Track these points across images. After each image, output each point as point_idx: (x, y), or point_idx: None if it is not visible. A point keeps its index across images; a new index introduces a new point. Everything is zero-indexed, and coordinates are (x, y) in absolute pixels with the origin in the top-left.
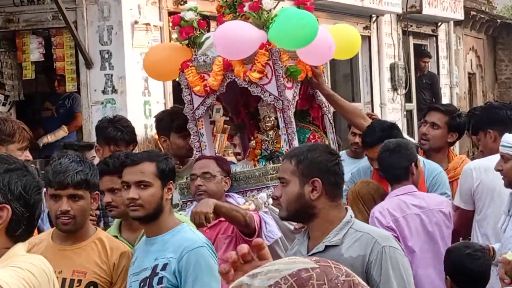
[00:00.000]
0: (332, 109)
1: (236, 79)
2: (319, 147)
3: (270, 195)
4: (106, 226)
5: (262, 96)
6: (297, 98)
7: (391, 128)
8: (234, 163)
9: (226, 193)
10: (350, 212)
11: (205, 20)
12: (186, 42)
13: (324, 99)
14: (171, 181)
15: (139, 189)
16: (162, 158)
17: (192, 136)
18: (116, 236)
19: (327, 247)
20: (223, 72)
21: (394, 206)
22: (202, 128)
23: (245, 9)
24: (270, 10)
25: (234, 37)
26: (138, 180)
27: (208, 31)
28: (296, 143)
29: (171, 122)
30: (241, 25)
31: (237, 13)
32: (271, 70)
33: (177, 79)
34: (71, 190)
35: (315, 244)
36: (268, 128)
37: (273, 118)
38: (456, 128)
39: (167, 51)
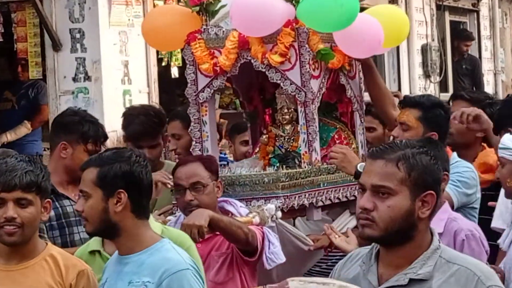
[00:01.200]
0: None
1: (252, 61)
2: (422, 148)
3: (279, 207)
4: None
5: (281, 84)
6: (324, 89)
7: None
8: (224, 157)
9: (226, 199)
10: (436, 235)
11: None
12: (197, 8)
13: (356, 93)
14: (122, 190)
15: (83, 199)
16: (110, 162)
17: (192, 124)
18: (98, 251)
19: (411, 280)
20: (238, 51)
21: None
22: (206, 115)
23: None
24: None
25: (256, 9)
26: (80, 190)
27: None
28: (317, 145)
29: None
30: None
31: None
32: (295, 54)
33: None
34: (19, 193)
35: (392, 273)
36: (285, 122)
37: (292, 110)
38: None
39: (173, 16)
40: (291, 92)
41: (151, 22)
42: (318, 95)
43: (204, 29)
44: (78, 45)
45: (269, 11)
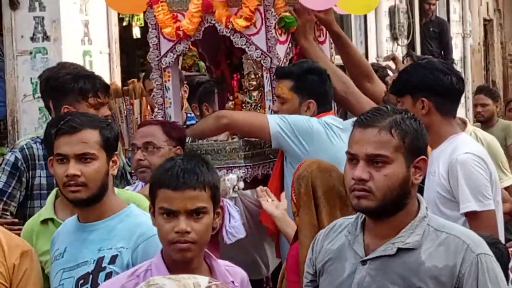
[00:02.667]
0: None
1: (216, 25)
2: (408, 113)
3: (241, 177)
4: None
5: (246, 49)
6: (291, 55)
7: None
8: (191, 116)
9: None
10: (423, 203)
11: None
12: None
13: (328, 57)
14: (116, 152)
15: (80, 163)
16: (105, 124)
17: (155, 90)
18: (52, 219)
19: (399, 250)
20: (201, 14)
21: None
22: (169, 80)
23: None
24: None
25: None
26: (81, 153)
27: None
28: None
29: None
30: None
31: None
32: (261, 18)
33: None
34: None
35: (379, 243)
36: (252, 88)
37: (259, 75)
38: None
39: None
40: (256, 57)
41: None
42: (285, 60)
43: None
44: (36, 4)
45: None
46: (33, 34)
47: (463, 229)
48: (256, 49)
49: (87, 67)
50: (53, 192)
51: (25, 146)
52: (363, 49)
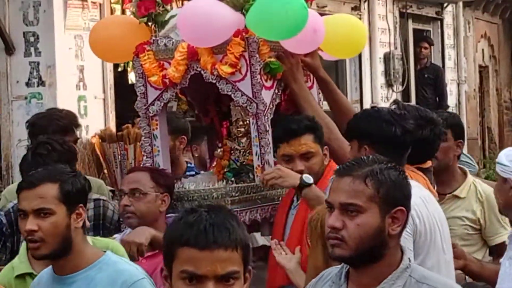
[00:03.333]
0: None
1: (202, 72)
2: (390, 164)
3: None
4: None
5: (232, 95)
6: (278, 100)
7: None
8: (191, 166)
9: (174, 215)
10: (407, 253)
11: None
12: (145, 19)
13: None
14: (81, 205)
15: (39, 218)
16: (67, 177)
17: (142, 138)
18: (29, 274)
19: None
20: (187, 62)
21: None
22: (157, 128)
23: None
24: None
25: (203, 19)
26: (37, 208)
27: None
28: (270, 158)
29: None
30: (214, 4)
31: None
32: (246, 64)
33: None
34: None
35: None
36: (240, 135)
37: (247, 122)
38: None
39: (120, 27)
40: (242, 103)
41: (98, 34)
42: (271, 106)
43: (153, 40)
44: (32, 49)
45: (217, 21)
46: (28, 79)
47: (447, 281)
48: (242, 95)
49: (82, 112)
50: (24, 245)
51: (11, 210)
52: (358, 95)
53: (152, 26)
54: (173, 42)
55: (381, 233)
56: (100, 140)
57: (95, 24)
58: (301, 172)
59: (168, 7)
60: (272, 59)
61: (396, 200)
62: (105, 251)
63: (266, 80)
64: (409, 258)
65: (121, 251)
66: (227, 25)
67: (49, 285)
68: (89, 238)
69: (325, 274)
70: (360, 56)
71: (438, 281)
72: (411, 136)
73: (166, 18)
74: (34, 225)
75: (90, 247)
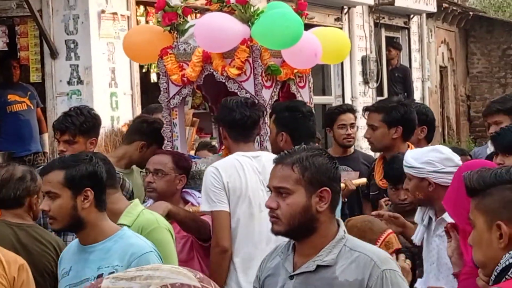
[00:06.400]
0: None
1: (214, 73)
2: (318, 151)
3: None
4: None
5: (238, 93)
6: (275, 98)
7: None
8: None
9: (186, 190)
10: (342, 226)
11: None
12: (169, 28)
13: (306, 100)
14: (88, 188)
15: (50, 200)
16: (75, 163)
17: (165, 126)
18: None
19: (318, 267)
20: (202, 64)
21: None
22: (176, 118)
23: (232, 0)
24: (257, 6)
25: (216, 29)
26: (46, 191)
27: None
28: (268, 146)
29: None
30: (225, 17)
31: (224, 3)
32: (250, 67)
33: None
34: None
35: (304, 261)
36: None
37: None
38: (396, 121)
39: (148, 34)
40: None
41: (131, 39)
42: (270, 102)
43: (175, 45)
44: (72, 54)
45: (227, 31)
46: (69, 79)
47: (375, 248)
48: (246, 93)
49: (113, 106)
50: None
51: None
52: (340, 91)
53: (174, 34)
54: (191, 47)
55: (309, 210)
56: None
57: (127, 32)
58: None
59: (188, 18)
60: (273, 62)
61: (320, 182)
62: (122, 227)
63: (266, 81)
64: (344, 230)
65: (152, 226)
66: (235, 35)
67: (76, 253)
68: (141, 210)
69: (278, 247)
70: None
71: (366, 248)
72: (249, 120)
73: (186, 27)
74: (46, 205)
75: (109, 223)
